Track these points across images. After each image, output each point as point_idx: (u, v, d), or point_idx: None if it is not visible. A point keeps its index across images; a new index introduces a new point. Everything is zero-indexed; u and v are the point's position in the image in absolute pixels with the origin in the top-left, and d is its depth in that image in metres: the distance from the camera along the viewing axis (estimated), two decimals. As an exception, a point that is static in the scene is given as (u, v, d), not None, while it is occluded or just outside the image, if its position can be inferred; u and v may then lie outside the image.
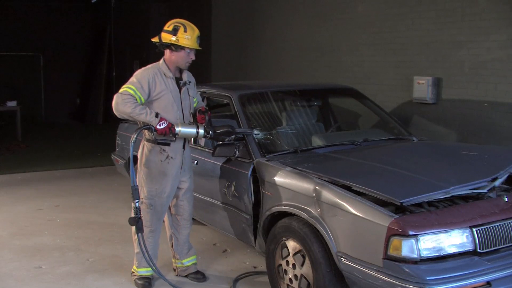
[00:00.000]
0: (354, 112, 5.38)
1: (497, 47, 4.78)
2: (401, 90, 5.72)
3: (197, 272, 4.02)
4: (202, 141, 4.40)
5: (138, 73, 3.68)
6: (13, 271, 4.13)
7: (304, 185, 3.27)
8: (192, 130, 3.65)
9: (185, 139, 3.78)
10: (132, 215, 3.57)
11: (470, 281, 2.68)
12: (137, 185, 3.63)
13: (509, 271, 2.78)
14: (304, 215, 3.21)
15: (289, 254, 3.38)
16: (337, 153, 3.87)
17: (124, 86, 3.60)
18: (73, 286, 3.90)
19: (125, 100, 3.53)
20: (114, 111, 3.59)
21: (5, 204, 6.01)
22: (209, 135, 3.70)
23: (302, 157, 3.79)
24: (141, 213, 3.66)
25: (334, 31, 6.67)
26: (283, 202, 3.42)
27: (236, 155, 3.85)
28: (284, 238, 3.41)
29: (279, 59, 7.71)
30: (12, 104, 10.37)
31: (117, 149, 5.93)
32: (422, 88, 5.33)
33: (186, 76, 3.81)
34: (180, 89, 3.74)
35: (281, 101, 4.71)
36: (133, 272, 3.94)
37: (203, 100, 4.60)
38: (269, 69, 7.90)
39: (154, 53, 3.76)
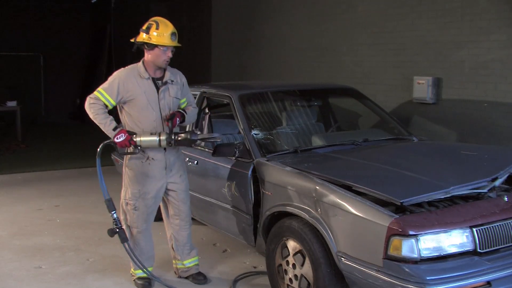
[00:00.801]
0: (354, 112, 5.38)
1: (497, 47, 4.77)
2: (401, 90, 5.72)
3: (199, 273, 3.97)
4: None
5: (113, 74, 3.66)
6: (13, 271, 4.13)
7: (304, 185, 3.26)
8: (153, 139, 3.53)
9: None
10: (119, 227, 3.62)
11: (470, 281, 2.68)
12: (110, 198, 3.63)
13: (509, 271, 2.77)
14: (304, 215, 3.21)
15: (289, 254, 3.38)
16: (337, 153, 3.86)
17: (97, 89, 3.60)
18: (73, 286, 3.90)
19: (91, 104, 3.57)
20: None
21: (5, 204, 6.01)
22: (171, 144, 3.58)
23: (302, 157, 3.79)
24: (127, 214, 3.74)
25: (334, 31, 6.67)
26: (283, 202, 3.42)
27: (236, 155, 3.85)
28: (284, 238, 3.41)
29: (279, 59, 7.70)
30: (12, 104, 10.37)
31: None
32: (422, 88, 5.33)
33: (169, 75, 3.69)
34: (158, 89, 3.65)
35: (281, 101, 4.71)
36: (132, 274, 3.94)
37: (203, 100, 4.60)
38: (269, 69, 7.89)
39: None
